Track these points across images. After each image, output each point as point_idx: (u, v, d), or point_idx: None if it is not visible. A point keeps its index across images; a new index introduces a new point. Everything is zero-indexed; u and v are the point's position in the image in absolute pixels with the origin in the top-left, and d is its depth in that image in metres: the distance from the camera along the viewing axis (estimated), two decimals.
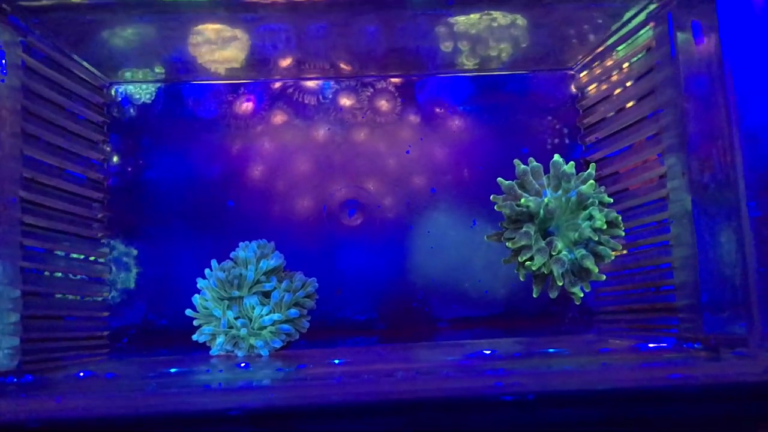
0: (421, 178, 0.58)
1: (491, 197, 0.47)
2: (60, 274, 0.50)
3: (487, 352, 0.49)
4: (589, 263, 0.44)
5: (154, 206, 0.57)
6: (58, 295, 0.49)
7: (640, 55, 0.50)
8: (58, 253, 0.49)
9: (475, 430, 0.36)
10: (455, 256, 0.57)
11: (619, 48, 0.52)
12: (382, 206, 0.58)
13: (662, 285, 0.49)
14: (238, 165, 0.57)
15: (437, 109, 0.59)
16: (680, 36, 0.45)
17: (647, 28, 0.48)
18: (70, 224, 0.50)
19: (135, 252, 0.56)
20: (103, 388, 0.42)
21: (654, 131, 0.49)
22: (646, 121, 0.50)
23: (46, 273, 0.48)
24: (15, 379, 0.41)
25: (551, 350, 0.50)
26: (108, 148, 0.56)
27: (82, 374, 0.46)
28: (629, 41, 0.51)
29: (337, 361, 0.47)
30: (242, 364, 0.47)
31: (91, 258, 0.53)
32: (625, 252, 0.52)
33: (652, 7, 0.47)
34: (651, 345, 0.47)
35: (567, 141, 0.58)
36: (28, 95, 0.46)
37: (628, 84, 0.52)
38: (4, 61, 0.43)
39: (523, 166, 0.47)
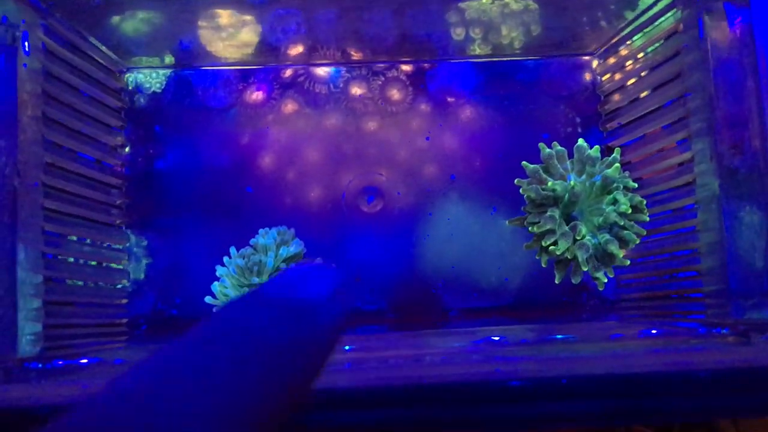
0: (440, 165, 0.58)
1: (515, 181, 0.46)
2: (80, 261, 0.49)
3: (496, 338, 0.49)
4: (614, 248, 0.44)
5: (167, 195, 0.56)
6: (78, 282, 0.49)
7: (665, 39, 0.49)
8: (78, 239, 0.49)
9: (481, 416, 0.36)
10: (475, 243, 0.57)
11: (643, 32, 0.52)
12: (401, 193, 0.57)
13: (688, 270, 0.48)
14: (252, 153, 0.57)
15: (455, 97, 0.58)
16: (709, 19, 0.44)
17: (674, 11, 0.48)
18: (89, 210, 0.50)
19: (145, 242, 0.56)
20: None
21: (680, 115, 0.48)
22: (671, 106, 0.49)
23: (66, 259, 0.47)
24: (39, 365, 0.41)
25: (559, 336, 0.49)
26: (123, 136, 0.56)
27: (94, 360, 0.46)
28: (654, 25, 0.50)
29: (347, 348, 0.47)
30: None
31: (110, 245, 0.53)
32: (645, 237, 0.52)
33: None
34: (678, 330, 0.47)
35: (587, 127, 0.58)
36: (48, 79, 0.45)
37: (652, 68, 0.51)
38: (26, 44, 0.42)
39: (548, 149, 0.46)
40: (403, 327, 0.56)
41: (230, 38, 0.53)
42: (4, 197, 0.40)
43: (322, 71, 0.58)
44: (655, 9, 0.49)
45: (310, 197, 0.57)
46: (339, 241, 0.57)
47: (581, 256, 0.44)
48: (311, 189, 0.57)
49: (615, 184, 0.44)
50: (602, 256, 0.45)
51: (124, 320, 0.54)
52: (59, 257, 0.46)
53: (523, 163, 0.46)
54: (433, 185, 0.57)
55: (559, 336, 0.50)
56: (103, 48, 0.52)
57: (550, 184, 0.44)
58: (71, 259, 0.48)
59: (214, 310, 0.50)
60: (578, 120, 0.58)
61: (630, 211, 0.44)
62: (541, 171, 0.46)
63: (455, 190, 0.57)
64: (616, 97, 0.56)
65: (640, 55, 0.53)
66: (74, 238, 0.48)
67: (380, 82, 0.58)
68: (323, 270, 0.22)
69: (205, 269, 0.52)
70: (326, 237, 0.56)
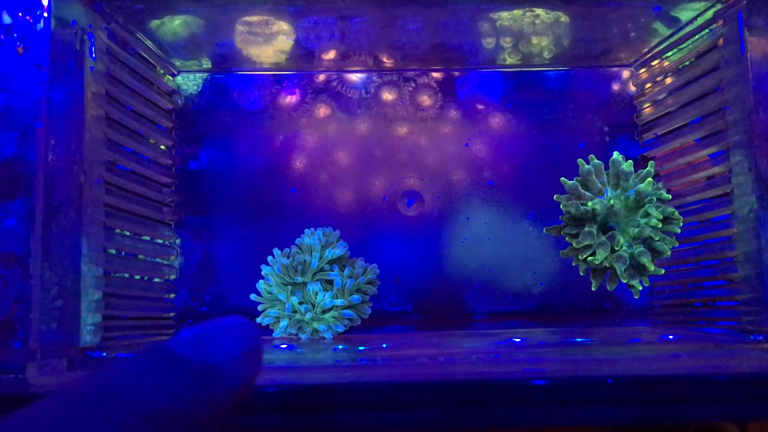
0: (479, 170, 0.59)
1: (555, 197, 0.47)
2: (135, 255, 0.51)
3: (517, 339, 0.50)
4: (646, 260, 0.45)
5: (205, 196, 0.58)
6: (133, 276, 0.51)
7: (705, 53, 0.51)
8: (133, 234, 0.51)
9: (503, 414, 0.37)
10: (511, 248, 0.58)
11: (683, 45, 0.53)
12: (440, 197, 0.59)
13: (723, 279, 0.49)
14: (291, 156, 0.59)
15: (493, 104, 0.60)
16: (749, 34, 0.45)
17: (714, 26, 0.49)
18: (144, 207, 0.52)
19: (179, 240, 0.58)
20: None
21: (718, 128, 0.49)
22: (708, 118, 0.51)
23: (122, 253, 0.49)
24: (102, 354, 0.43)
25: (578, 338, 0.50)
26: (174, 136, 0.58)
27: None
28: (694, 38, 0.52)
29: (384, 345, 0.48)
30: (283, 345, 0.48)
31: (161, 241, 0.55)
32: (681, 245, 0.53)
33: (719, 5, 0.48)
34: (712, 336, 0.48)
35: (624, 135, 0.59)
36: (111, 80, 0.47)
37: (690, 81, 0.52)
38: (93, 47, 0.44)
39: (587, 166, 0.47)
40: (439, 326, 0.58)
41: (266, 44, 0.54)
42: (71, 193, 0.42)
43: (355, 76, 0.60)
44: (695, 24, 0.50)
45: (351, 200, 0.59)
46: (378, 243, 0.58)
47: (619, 268, 0.45)
48: (352, 192, 0.59)
49: (648, 198, 0.45)
50: (637, 266, 0.46)
51: (172, 314, 0.56)
52: (116, 251, 0.48)
53: (562, 179, 0.47)
54: (471, 190, 0.59)
55: (589, 339, 0.51)
56: (159, 51, 0.54)
57: (590, 204, 0.45)
58: (128, 254, 0.50)
59: (259, 308, 0.51)
60: (614, 129, 0.59)
61: (660, 225, 0.45)
62: (579, 187, 0.47)
63: (493, 195, 0.59)
64: (653, 108, 0.57)
65: (678, 67, 0.54)
66: (131, 233, 0.50)
67: (411, 88, 0.60)
68: (237, 330, 0.22)
69: (239, 268, 0.54)
70: (366, 238, 0.58)
